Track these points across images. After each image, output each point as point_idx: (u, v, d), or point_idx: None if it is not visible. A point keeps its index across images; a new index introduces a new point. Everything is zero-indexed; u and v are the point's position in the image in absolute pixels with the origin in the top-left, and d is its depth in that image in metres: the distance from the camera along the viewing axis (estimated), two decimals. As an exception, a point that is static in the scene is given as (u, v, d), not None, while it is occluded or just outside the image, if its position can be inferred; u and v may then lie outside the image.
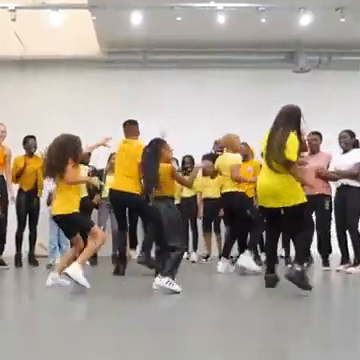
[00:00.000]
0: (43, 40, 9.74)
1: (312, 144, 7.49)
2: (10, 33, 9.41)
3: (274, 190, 5.16)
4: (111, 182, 7.09)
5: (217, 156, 7.46)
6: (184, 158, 9.24)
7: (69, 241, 6.55)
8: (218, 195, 7.60)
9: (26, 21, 8.72)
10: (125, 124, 6.97)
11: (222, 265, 6.96)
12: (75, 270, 5.02)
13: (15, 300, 5.09)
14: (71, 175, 5.30)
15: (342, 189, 7.18)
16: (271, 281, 5.40)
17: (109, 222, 8.63)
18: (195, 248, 9.11)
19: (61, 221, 5.45)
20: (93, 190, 8.24)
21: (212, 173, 7.48)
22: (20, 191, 8.02)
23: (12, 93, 10.46)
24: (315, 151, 7.53)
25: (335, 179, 7.32)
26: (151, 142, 5.48)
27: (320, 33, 9.48)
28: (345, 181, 7.11)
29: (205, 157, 8.82)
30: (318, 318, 4.09)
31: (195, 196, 9.14)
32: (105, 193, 8.15)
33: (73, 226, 5.46)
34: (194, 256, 8.90)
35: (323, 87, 10.70)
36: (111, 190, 6.75)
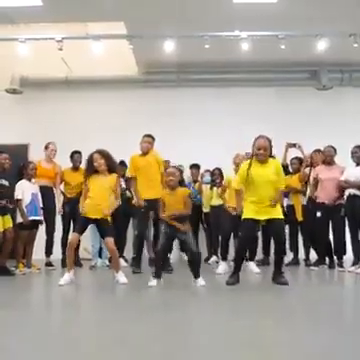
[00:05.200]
0: (86, 64, 10.53)
1: (327, 156, 8.30)
2: (57, 58, 10.24)
3: None
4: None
5: None
6: (213, 170, 9.78)
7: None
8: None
9: (72, 48, 9.49)
10: None
11: (222, 267, 7.71)
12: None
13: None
14: None
15: (351, 198, 7.91)
16: None
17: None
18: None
19: None
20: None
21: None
22: (64, 198, 8.78)
23: (59, 111, 11.21)
24: (331, 163, 8.31)
25: (344, 188, 8.04)
26: None
27: (341, 53, 9.99)
28: (353, 191, 7.88)
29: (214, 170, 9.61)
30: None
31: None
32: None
33: None
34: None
35: (345, 104, 11.16)
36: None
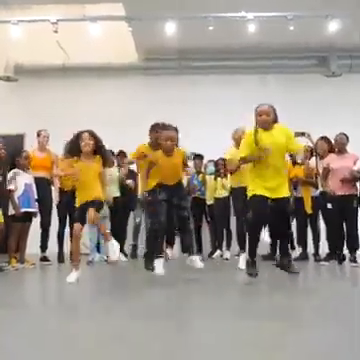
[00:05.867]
0: (84, 49, 10.24)
1: (339, 144, 7.89)
2: (53, 43, 9.91)
3: None
4: None
5: None
6: (217, 161, 9.53)
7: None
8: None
9: (68, 32, 9.21)
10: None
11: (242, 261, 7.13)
12: None
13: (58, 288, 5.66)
14: None
15: None
16: None
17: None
18: (228, 246, 9.38)
19: None
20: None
21: None
22: (61, 191, 8.34)
23: (55, 99, 11.00)
24: (342, 151, 7.90)
25: (357, 178, 7.64)
26: None
27: (351, 38, 9.71)
28: None
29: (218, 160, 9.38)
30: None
31: (228, 197, 9.13)
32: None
33: None
34: (227, 254, 9.17)
35: (355, 91, 10.92)
36: None
